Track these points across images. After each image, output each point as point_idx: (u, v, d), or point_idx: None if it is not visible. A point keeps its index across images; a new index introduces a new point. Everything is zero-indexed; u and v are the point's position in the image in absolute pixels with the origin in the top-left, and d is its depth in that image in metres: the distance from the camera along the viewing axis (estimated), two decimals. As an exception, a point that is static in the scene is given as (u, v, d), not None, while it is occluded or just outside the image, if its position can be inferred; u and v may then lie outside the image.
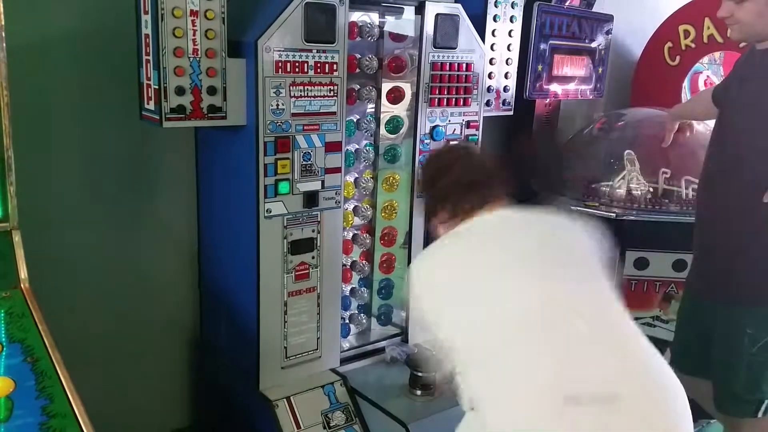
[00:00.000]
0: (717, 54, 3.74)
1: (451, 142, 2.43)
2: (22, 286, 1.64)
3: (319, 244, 2.23)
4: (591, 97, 3.37)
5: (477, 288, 1.44)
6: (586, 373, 1.30)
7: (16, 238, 1.68)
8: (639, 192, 2.82)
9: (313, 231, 2.21)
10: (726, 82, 2.25)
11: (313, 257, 2.23)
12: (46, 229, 2.16)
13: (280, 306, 2.19)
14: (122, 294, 2.42)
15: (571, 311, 1.37)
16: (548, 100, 3.19)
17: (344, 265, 2.43)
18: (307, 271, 2.22)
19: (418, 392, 2.30)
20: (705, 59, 3.66)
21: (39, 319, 1.51)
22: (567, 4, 3.09)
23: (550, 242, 1.53)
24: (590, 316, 1.38)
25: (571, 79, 3.19)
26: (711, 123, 2.31)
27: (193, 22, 1.87)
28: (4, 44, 1.63)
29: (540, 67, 3.01)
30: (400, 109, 2.47)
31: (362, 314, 2.62)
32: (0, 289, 1.62)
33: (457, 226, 1.64)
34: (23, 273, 1.66)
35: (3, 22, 1.62)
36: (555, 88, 3.11)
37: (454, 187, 1.68)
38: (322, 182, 2.19)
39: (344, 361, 2.43)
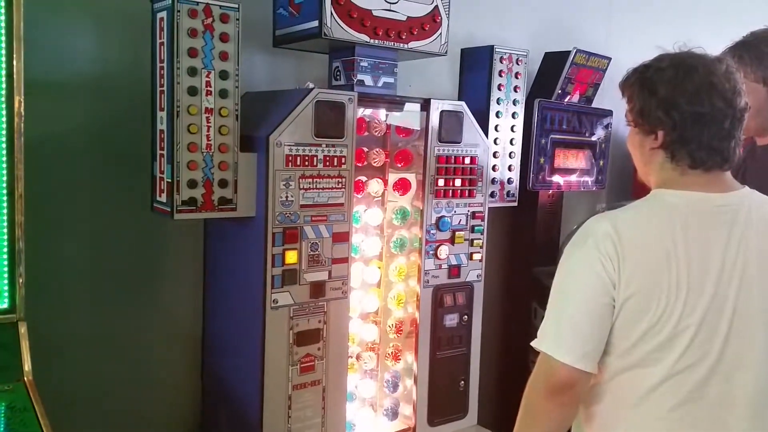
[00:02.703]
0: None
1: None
2: (25, 379, 1.62)
3: (325, 335, 2.21)
4: (594, 189, 3.43)
5: None
6: None
7: (22, 329, 1.67)
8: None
9: (320, 321, 2.20)
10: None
11: (318, 349, 2.20)
12: (50, 319, 2.15)
13: (285, 400, 2.14)
14: (124, 384, 2.38)
15: None
16: (551, 191, 3.24)
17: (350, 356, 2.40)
18: (312, 363, 2.19)
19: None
20: (703, 151, 3.72)
21: (41, 413, 1.48)
22: (567, 100, 3.19)
23: None
24: None
25: (573, 171, 3.25)
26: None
27: (207, 119, 1.94)
28: (22, 137, 1.67)
29: (542, 160, 3.08)
30: (406, 200, 2.51)
31: (369, 408, 2.55)
32: (2, 382, 1.60)
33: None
34: (27, 365, 1.64)
35: (22, 116, 1.67)
36: (557, 179, 3.17)
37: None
38: (329, 272, 2.20)
39: (349, 457, 2.35)
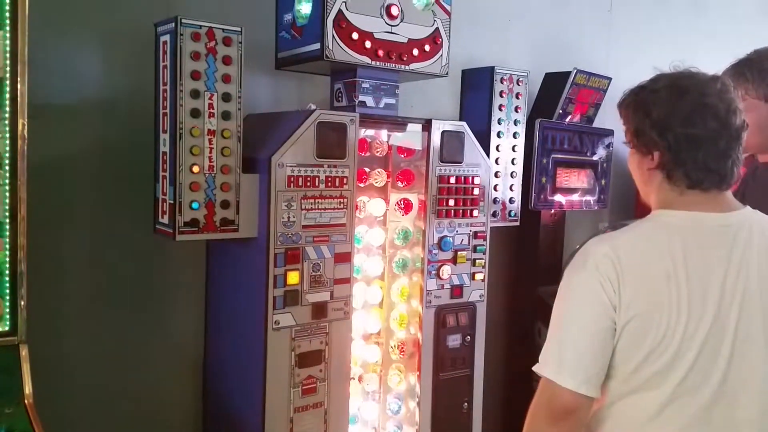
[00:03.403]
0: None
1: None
2: (26, 401, 1.61)
3: (327, 357, 2.20)
4: (596, 208, 3.43)
5: None
6: None
7: (23, 352, 1.66)
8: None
9: (321, 343, 2.19)
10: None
11: (320, 370, 2.19)
12: (52, 342, 2.14)
13: (286, 423, 2.12)
14: (125, 406, 2.37)
15: None
16: (553, 210, 3.24)
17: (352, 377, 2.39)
18: (314, 385, 2.18)
19: None
20: (705, 170, 3.73)
21: (41, 437, 1.47)
22: (568, 120, 3.21)
23: None
24: None
25: (574, 191, 3.25)
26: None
27: (210, 140, 1.96)
28: (26, 160, 1.68)
29: (544, 180, 3.08)
30: (408, 220, 2.51)
31: (371, 431, 2.53)
32: (3, 405, 1.59)
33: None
34: (28, 388, 1.63)
35: (26, 139, 1.68)
36: (559, 199, 3.17)
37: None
38: (331, 293, 2.19)
39: (352, 481, 2.33)
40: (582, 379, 1.31)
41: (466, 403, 2.61)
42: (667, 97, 1.37)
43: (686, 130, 1.34)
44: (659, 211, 1.42)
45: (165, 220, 2.00)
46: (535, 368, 1.38)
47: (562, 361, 1.34)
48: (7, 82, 1.64)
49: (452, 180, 2.48)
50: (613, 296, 1.31)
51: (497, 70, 2.76)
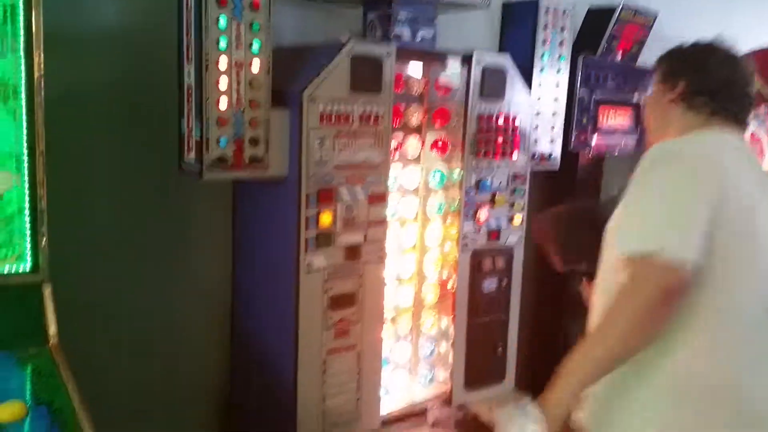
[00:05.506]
0: (761, 109, 3.64)
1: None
2: (50, 342, 1.56)
3: (360, 299, 2.12)
4: (635, 151, 3.27)
5: None
6: None
7: (47, 291, 1.60)
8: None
9: (355, 285, 2.11)
10: None
11: (353, 313, 2.12)
12: (76, 281, 2.08)
13: (319, 365, 2.07)
14: (151, 348, 2.33)
15: None
16: (593, 153, 3.10)
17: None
18: (347, 327, 2.11)
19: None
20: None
21: (67, 377, 1.41)
22: (610, 57, 3.03)
23: None
24: None
25: (615, 131, 3.11)
26: None
27: (237, 72, 1.83)
28: (42, 93, 1.59)
29: (585, 120, 2.93)
30: (445, 161, 2.39)
31: (404, 372, 2.48)
32: (27, 345, 1.53)
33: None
34: (52, 329, 1.57)
35: (42, 71, 1.58)
36: (599, 140, 3.03)
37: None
38: (365, 236, 2.10)
39: (385, 423, 2.30)
40: (699, 253, 1.24)
41: (500, 347, 2.55)
42: (723, 60, 1.51)
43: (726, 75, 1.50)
44: (696, 131, 1.46)
45: (191, 157, 1.90)
46: (633, 248, 1.28)
47: (679, 234, 1.25)
48: (20, 12, 1.52)
49: (492, 119, 2.35)
50: (717, 191, 1.30)
51: (542, 3, 2.59)
